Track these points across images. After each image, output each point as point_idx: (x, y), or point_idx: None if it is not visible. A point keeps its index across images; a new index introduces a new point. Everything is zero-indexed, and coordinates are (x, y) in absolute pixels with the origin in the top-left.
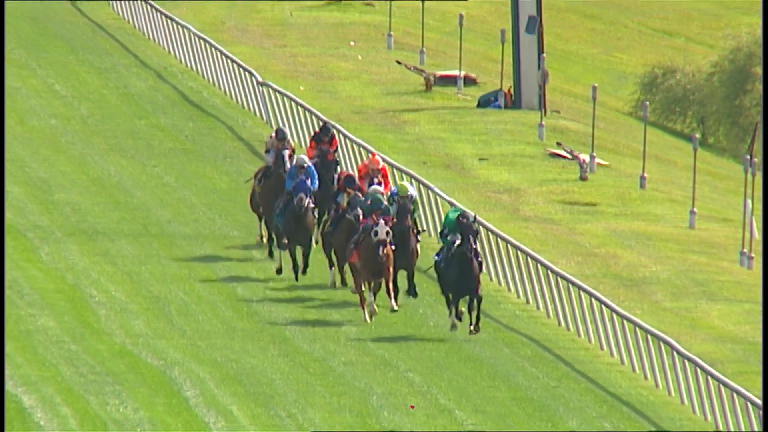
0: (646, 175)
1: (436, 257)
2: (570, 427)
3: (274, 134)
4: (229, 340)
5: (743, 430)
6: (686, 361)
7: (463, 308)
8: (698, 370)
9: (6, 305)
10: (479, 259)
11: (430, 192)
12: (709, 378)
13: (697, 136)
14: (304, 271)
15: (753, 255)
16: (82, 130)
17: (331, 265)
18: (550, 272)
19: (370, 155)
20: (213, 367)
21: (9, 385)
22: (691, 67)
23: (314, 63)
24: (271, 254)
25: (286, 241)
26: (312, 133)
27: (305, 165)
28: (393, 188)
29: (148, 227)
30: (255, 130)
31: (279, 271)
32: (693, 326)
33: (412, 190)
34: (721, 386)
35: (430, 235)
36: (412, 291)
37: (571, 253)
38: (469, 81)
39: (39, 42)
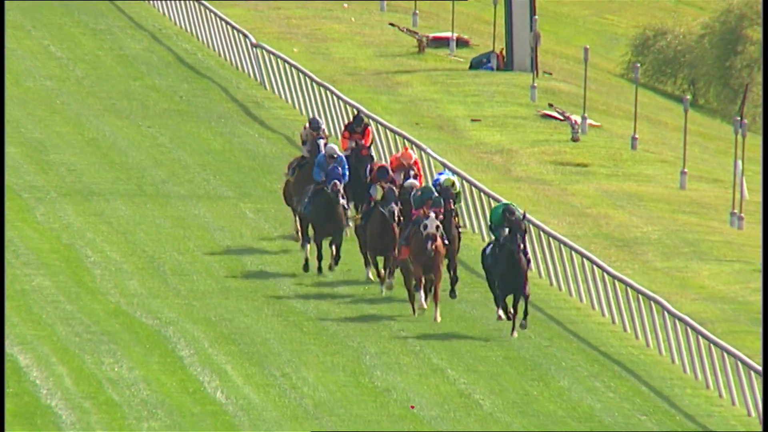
0: (637, 136)
1: (485, 250)
2: (562, 386)
3: (307, 124)
4: (224, 300)
5: (733, 389)
6: (677, 321)
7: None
8: (688, 329)
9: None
10: (527, 256)
11: (424, 154)
12: (700, 337)
13: (688, 97)
14: (336, 263)
15: (743, 215)
16: (77, 91)
17: (366, 262)
18: (541, 232)
19: (402, 148)
20: (207, 327)
21: (5, 345)
22: (682, 28)
23: (308, 25)
24: (303, 246)
25: (314, 233)
26: (345, 122)
27: (335, 155)
28: (437, 177)
29: (143, 187)
30: (249, 92)
31: (306, 267)
32: (683, 286)
33: (458, 183)
34: (712, 345)
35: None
36: (452, 290)
37: (563, 213)
38: (461, 43)
39: (34, 3)
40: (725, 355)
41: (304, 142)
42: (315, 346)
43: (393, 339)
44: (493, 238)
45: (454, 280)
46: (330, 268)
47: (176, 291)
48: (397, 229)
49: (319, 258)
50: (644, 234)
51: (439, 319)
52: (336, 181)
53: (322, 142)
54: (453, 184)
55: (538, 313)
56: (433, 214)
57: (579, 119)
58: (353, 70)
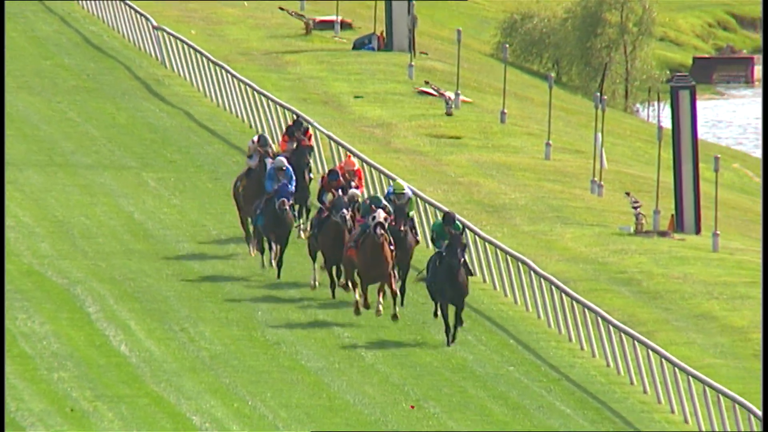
0: (506, 110)
1: (427, 268)
2: (437, 340)
3: (256, 139)
4: (127, 261)
5: (594, 342)
6: (542, 280)
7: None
8: (553, 287)
9: None
10: (468, 267)
11: (311, 128)
12: (563, 295)
13: (552, 75)
14: (279, 266)
15: (602, 183)
16: None
17: (314, 268)
18: (419, 199)
19: (345, 157)
20: (112, 285)
21: None
22: (547, 12)
23: (204, 9)
24: (248, 242)
25: (266, 241)
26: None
27: (284, 167)
28: (389, 187)
29: (53, 158)
30: (151, 70)
31: (263, 265)
32: (548, 248)
33: (408, 190)
34: (574, 302)
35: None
36: (401, 294)
37: (438, 181)
38: (345, 25)
39: None
40: (586, 311)
41: (250, 156)
42: (211, 304)
43: (283, 298)
44: (435, 249)
45: (402, 291)
46: (274, 265)
47: (84, 252)
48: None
49: (261, 250)
50: (512, 200)
51: (381, 311)
52: (284, 199)
53: (268, 161)
54: (404, 190)
55: (413, 272)
56: (380, 210)
57: (452, 95)
58: (246, 50)
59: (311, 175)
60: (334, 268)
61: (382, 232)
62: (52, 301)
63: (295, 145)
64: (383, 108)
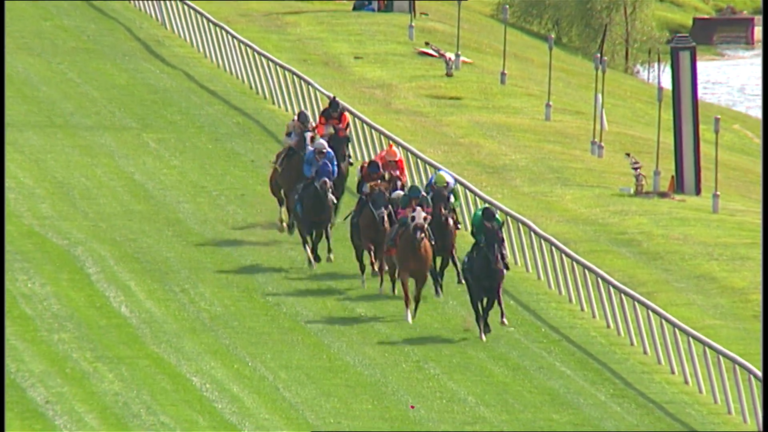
0: (506, 71)
1: (465, 258)
2: (435, 303)
3: (296, 117)
4: (128, 222)
5: (594, 303)
6: (542, 241)
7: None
8: (553, 248)
9: None
10: (505, 262)
11: (310, 87)
12: (563, 256)
13: (552, 36)
14: (329, 252)
15: (603, 144)
16: None
17: (362, 268)
18: (419, 160)
19: (387, 146)
20: (113, 246)
21: None
22: None
23: None
24: (291, 231)
25: (302, 225)
26: (321, 108)
27: (325, 150)
28: (431, 177)
29: (53, 119)
30: (151, 31)
31: (311, 264)
32: (548, 209)
33: (450, 180)
34: (574, 263)
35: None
36: (438, 285)
37: (438, 142)
38: None
39: None
40: (586, 272)
41: (289, 134)
42: (211, 265)
43: (283, 257)
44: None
45: (441, 275)
46: (312, 261)
47: (84, 214)
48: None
49: (314, 254)
50: (512, 161)
51: (410, 320)
52: (326, 179)
53: (308, 135)
54: (446, 183)
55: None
56: (419, 208)
57: (453, 56)
58: (246, 11)
59: (351, 161)
60: (364, 255)
61: (422, 235)
62: (53, 262)
63: (332, 130)
64: (383, 69)
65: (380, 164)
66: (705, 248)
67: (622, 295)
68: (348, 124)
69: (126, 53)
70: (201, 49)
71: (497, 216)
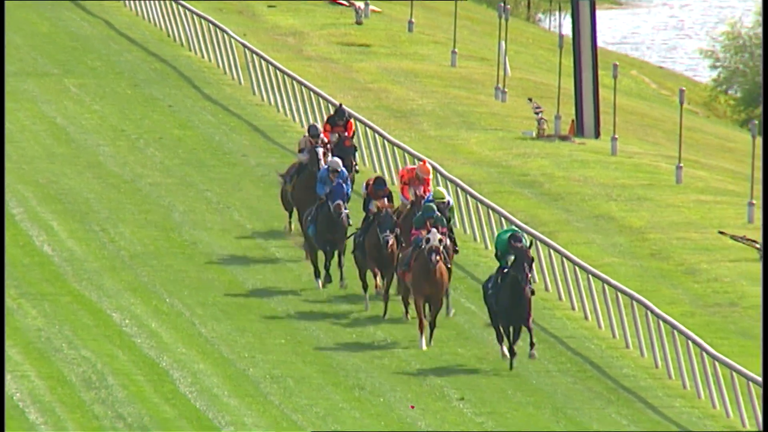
0: (413, 20)
1: (487, 284)
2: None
3: (306, 132)
4: (50, 164)
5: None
6: (448, 182)
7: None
8: (459, 189)
9: None
10: (532, 287)
11: (225, 35)
12: (468, 196)
13: None
14: (341, 278)
15: (506, 90)
16: None
17: (365, 287)
18: (330, 105)
19: (419, 162)
20: (35, 188)
21: None
22: None
23: None
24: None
25: (315, 243)
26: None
27: (339, 169)
28: (428, 194)
29: None
30: None
31: (320, 284)
32: (454, 152)
33: (448, 197)
34: (479, 204)
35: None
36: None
37: (348, 88)
38: None
39: None
40: (490, 212)
41: (301, 150)
42: (131, 205)
43: (199, 198)
44: (498, 265)
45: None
46: (321, 283)
47: (8, 156)
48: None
49: (317, 274)
50: (420, 106)
51: (425, 347)
52: (339, 202)
53: (320, 150)
54: (445, 200)
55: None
56: (435, 230)
57: (362, 5)
58: None
59: (357, 168)
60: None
61: (438, 258)
62: None
63: (336, 138)
64: (295, 17)
65: (385, 180)
66: (604, 189)
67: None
68: (354, 133)
69: (48, 2)
70: None
71: (524, 238)
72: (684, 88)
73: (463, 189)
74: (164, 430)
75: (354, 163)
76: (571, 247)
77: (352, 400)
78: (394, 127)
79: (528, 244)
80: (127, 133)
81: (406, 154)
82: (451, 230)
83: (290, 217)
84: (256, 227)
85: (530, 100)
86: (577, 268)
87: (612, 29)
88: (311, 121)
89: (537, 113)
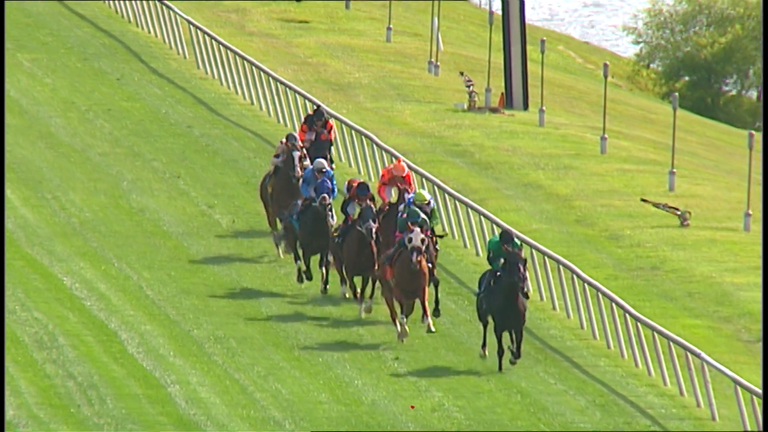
0: None
1: (481, 287)
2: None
3: (284, 140)
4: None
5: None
6: (383, 152)
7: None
8: (393, 158)
9: None
10: (526, 287)
11: (171, 11)
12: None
13: None
14: (326, 282)
15: (439, 63)
16: None
17: (342, 280)
18: (271, 79)
19: (395, 160)
20: None
21: None
22: None
23: None
24: (276, 243)
25: (302, 250)
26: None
27: (324, 169)
28: (409, 196)
29: None
30: None
31: (301, 279)
32: (390, 123)
33: (430, 198)
34: (413, 174)
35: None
36: (436, 309)
37: (288, 62)
38: None
39: None
40: (424, 180)
41: (277, 155)
42: (81, 174)
43: (146, 167)
44: (489, 268)
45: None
46: (301, 279)
47: None
48: (375, 248)
49: (309, 277)
50: (356, 79)
51: (433, 329)
52: (325, 195)
53: (296, 154)
54: (427, 201)
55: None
56: (417, 229)
57: None
58: None
59: (333, 166)
60: (355, 278)
61: (419, 258)
62: None
63: (313, 137)
64: None
65: (369, 186)
66: (532, 159)
67: (457, 201)
68: (332, 129)
69: None
70: None
71: (515, 240)
72: (608, 63)
73: (397, 158)
74: (113, 389)
75: (329, 157)
76: (501, 214)
77: (291, 360)
78: (332, 100)
79: (519, 245)
80: (78, 105)
81: (353, 131)
82: (433, 231)
83: (267, 213)
84: (201, 195)
85: (462, 73)
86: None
87: (540, 6)
88: (253, 95)
89: (468, 86)
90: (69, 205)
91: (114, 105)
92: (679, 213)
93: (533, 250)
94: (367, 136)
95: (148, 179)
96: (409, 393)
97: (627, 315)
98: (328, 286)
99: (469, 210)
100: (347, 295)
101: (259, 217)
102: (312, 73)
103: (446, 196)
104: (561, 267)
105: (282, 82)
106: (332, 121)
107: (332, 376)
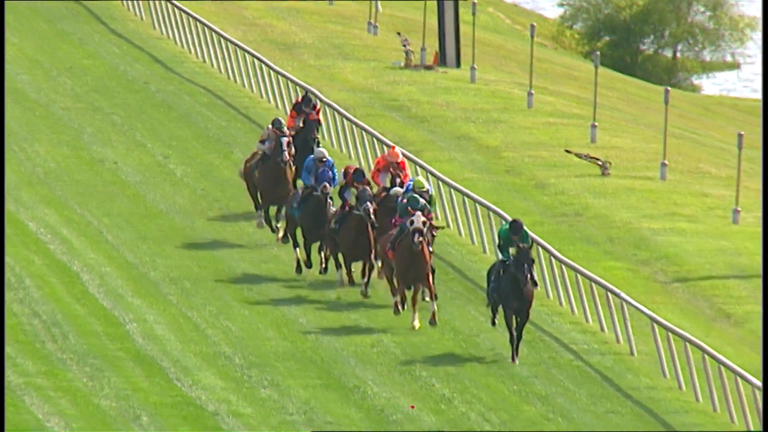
0: None
1: (491, 276)
2: (236, 158)
3: (270, 125)
4: None
5: (370, 158)
6: (326, 107)
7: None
8: (336, 113)
9: None
10: (534, 280)
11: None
12: (344, 119)
13: None
14: (326, 269)
15: (377, 24)
16: None
17: (338, 265)
18: (222, 38)
19: (389, 148)
20: None
21: None
22: None
23: None
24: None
25: (304, 238)
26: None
27: (325, 158)
28: (408, 183)
29: None
30: None
31: (302, 268)
32: (332, 80)
33: (428, 186)
34: (354, 126)
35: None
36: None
37: (237, 23)
38: None
39: None
40: (364, 134)
41: (263, 141)
42: (45, 127)
43: (106, 119)
44: (500, 257)
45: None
46: (299, 269)
47: None
48: (372, 233)
49: (309, 266)
50: (301, 39)
51: (417, 324)
52: (326, 183)
53: (284, 140)
54: (425, 188)
55: (217, 100)
56: (419, 213)
57: None
58: None
59: (318, 141)
60: (353, 264)
61: (421, 239)
62: None
63: (302, 122)
64: None
65: (364, 171)
66: (464, 113)
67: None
68: (319, 113)
69: None
70: None
71: (525, 230)
72: (534, 24)
73: (339, 112)
74: (75, 326)
75: (315, 136)
76: (436, 164)
77: (241, 300)
78: (278, 58)
79: (530, 241)
80: (42, 63)
81: (294, 85)
82: (429, 216)
83: (257, 209)
84: (156, 146)
85: (399, 34)
86: (440, 183)
87: None
88: (205, 54)
89: (405, 46)
90: (34, 155)
91: (75, 63)
92: (600, 163)
93: (465, 198)
94: (311, 92)
95: (108, 131)
96: (350, 330)
97: (552, 258)
98: (327, 266)
99: (413, 164)
100: (344, 281)
101: (211, 167)
102: (260, 33)
103: (384, 147)
104: (491, 213)
105: (232, 42)
106: (319, 104)
107: (279, 314)
